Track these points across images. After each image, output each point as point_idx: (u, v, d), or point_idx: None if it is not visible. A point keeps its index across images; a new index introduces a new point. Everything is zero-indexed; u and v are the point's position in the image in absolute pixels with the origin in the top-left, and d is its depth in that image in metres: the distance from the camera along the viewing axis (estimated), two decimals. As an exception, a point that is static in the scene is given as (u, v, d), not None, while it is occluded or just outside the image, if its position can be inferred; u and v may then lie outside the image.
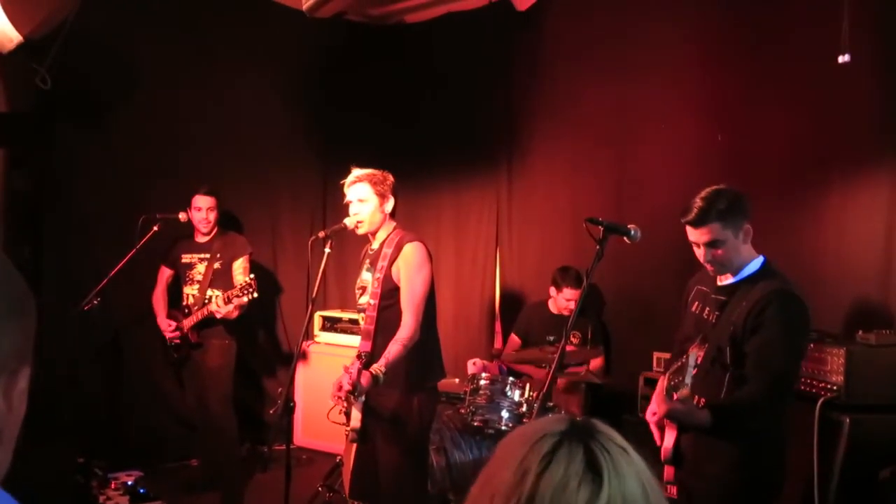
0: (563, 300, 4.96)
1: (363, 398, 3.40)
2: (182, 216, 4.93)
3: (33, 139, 4.97)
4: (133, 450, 5.18)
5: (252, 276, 4.65)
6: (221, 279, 4.87)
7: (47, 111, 4.89)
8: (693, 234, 2.79)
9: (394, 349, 3.36)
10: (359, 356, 3.38)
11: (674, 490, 2.83)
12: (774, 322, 2.63)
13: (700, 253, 2.81)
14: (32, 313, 1.02)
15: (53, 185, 5.09)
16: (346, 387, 3.30)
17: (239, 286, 4.56)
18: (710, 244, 2.74)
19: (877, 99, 3.96)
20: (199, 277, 4.92)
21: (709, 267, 2.83)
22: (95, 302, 4.54)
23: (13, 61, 4.13)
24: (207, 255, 4.95)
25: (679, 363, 2.76)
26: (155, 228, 4.79)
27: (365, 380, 3.26)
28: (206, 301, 4.77)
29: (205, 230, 4.98)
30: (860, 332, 3.62)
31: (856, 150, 4.08)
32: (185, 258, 5.00)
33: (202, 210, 4.93)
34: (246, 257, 5.02)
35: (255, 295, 4.57)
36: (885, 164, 3.92)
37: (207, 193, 4.95)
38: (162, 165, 5.40)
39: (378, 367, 3.31)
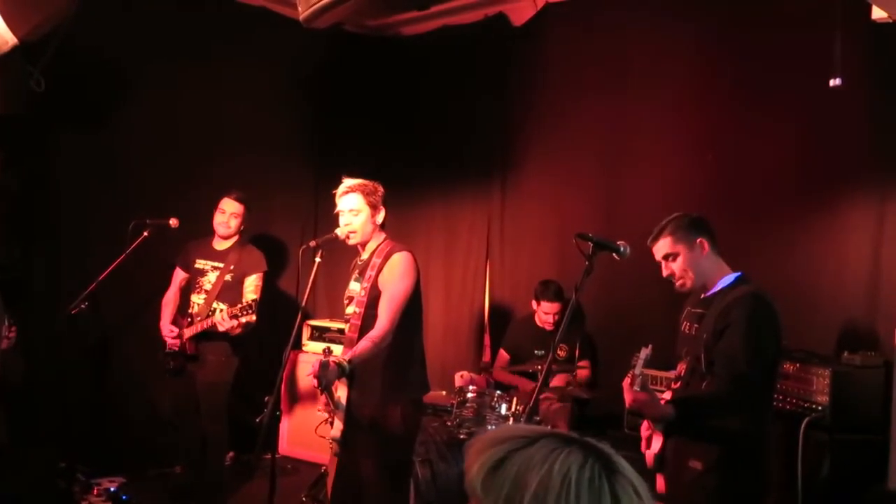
0: (542, 313, 4.98)
1: (344, 407, 3.39)
2: (173, 221, 4.85)
3: (26, 141, 4.96)
4: (116, 455, 5.13)
5: (254, 297, 4.51)
6: (230, 292, 4.67)
7: (41, 114, 4.88)
8: (654, 253, 3.00)
9: (363, 345, 3.33)
10: (324, 351, 3.36)
11: None
12: (738, 323, 2.73)
13: (662, 271, 2.99)
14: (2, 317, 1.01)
15: (45, 187, 5.08)
16: (313, 381, 3.25)
17: (241, 305, 4.38)
18: (666, 257, 2.96)
19: (866, 122, 4.00)
20: (209, 287, 4.75)
21: (676, 284, 2.98)
22: (83, 306, 4.52)
23: (8, 63, 4.12)
24: (221, 265, 4.78)
25: (636, 359, 2.84)
26: (145, 234, 4.75)
27: (331, 365, 3.20)
28: (210, 313, 4.61)
29: (223, 234, 4.83)
30: (846, 354, 3.66)
31: (844, 172, 4.13)
32: (199, 263, 4.84)
33: (225, 213, 4.79)
34: (260, 275, 4.83)
35: (254, 318, 4.40)
36: (873, 187, 3.96)
37: (238, 200, 4.82)
38: (154, 170, 5.38)
39: (343, 357, 3.28)
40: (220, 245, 4.88)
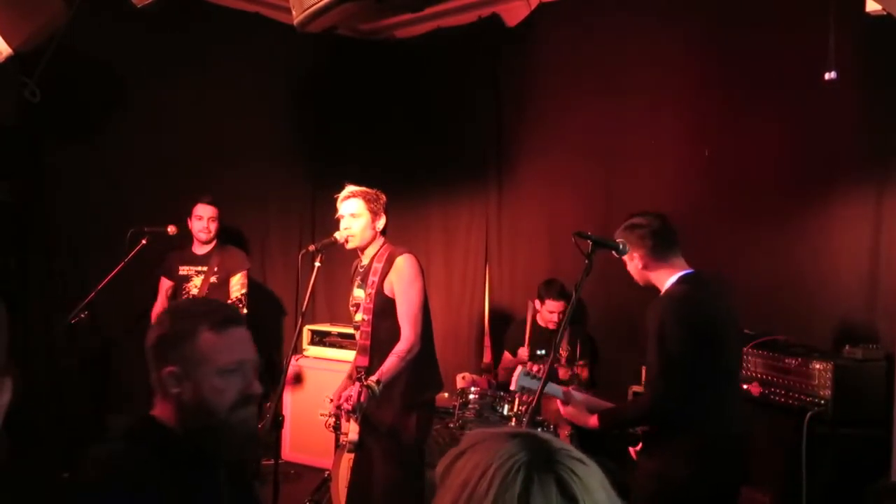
0: (546, 312, 4.97)
1: (361, 413, 3.42)
2: (171, 229, 4.87)
3: (21, 151, 4.95)
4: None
5: (243, 292, 4.59)
6: (217, 294, 4.75)
7: (36, 124, 4.87)
8: None
9: (391, 361, 3.38)
10: (359, 378, 3.40)
11: None
12: (649, 335, 2.87)
13: None
14: (5, 326, 1.00)
15: (41, 197, 5.07)
16: (347, 406, 3.32)
17: (228, 302, 4.49)
18: None
19: (862, 115, 4.01)
20: (195, 291, 4.84)
21: None
22: (83, 315, 4.51)
23: (2, 74, 4.12)
24: (205, 269, 4.87)
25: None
26: (143, 242, 4.75)
27: (363, 397, 3.30)
28: None
29: (204, 239, 4.90)
30: (847, 347, 3.66)
31: (841, 166, 4.13)
32: (183, 270, 4.92)
33: (203, 219, 4.87)
34: (244, 273, 4.96)
35: (245, 311, 4.51)
36: (869, 181, 3.96)
37: (210, 203, 4.89)
38: (150, 178, 5.38)
39: (372, 378, 3.32)
40: (200, 250, 4.95)
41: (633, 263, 3.05)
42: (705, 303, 2.91)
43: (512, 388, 2.99)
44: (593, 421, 2.97)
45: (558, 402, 3.05)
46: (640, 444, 3.01)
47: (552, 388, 2.99)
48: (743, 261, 4.48)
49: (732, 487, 2.95)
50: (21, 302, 4.87)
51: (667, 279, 2.98)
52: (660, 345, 2.79)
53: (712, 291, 2.97)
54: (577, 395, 3.05)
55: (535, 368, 3.05)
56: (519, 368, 2.99)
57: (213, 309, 1.72)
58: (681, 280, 2.94)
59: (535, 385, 2.88)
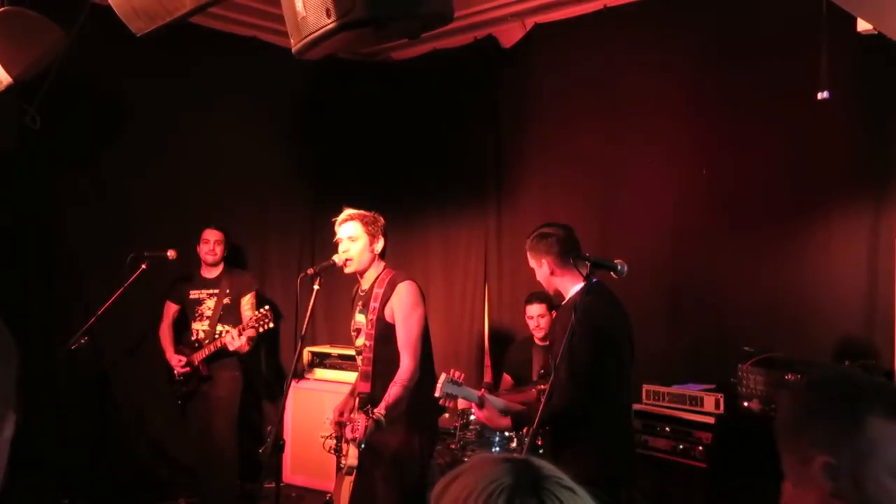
0: (528, 319, 4.90)
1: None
2: (170, 253, 4.91)
3: (22, 177, 4.97)
4: (119, 489, 5.10)
5: (267, 307, 4.74)
6: (230, 315, 5.00)
7: (37, 150, 4.90)
8: None
9: (394, 391, 3.38)
10: (365, 410, 3.39)
11: None
12: (556, 336, 3.10)
13: None
14: (14, 360, 1.02)
15: (41, 223, 5.09)
16: (351, 436, 3.31)
17: (255, 317, 4.67)
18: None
19: (856, 134, 4.04)
20: (209, 313, 5.01)
21: None
22: (83, 341, 4.53)
23: (2, 102, 4.15)
24: (216, 291, 5.06)
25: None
26: (143, 266, 4.78)
27: (370, 430, 3.29)
28: (218, 335, 4.87)
29: (210, 261, 5.07)
30: (847, 363, 3.66)
31: (838, 184, 4.16)
32: (194, 294, 5.07)
33: (210, 242, 5.06)
34: (253, 293, 5.16)
35: (272, 325, 4.70)
36: (866, 199, 3.99)
37: (218, 228, 5.12)
38: (150, 203, 5.40)
39: (378, 410, 3.32)
40: (209, 274, 5.13)
41: (542, 270, 3.24)
42: (612, 315, 3.14)
43: (436, 394, 3.12)
44: (506, 423, 3.16)
45: (473, 405, 3.22)
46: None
47: (468, 392, 3.16)
48: (741, 278, 4.49)
49: (624, 483, 3.18)
50: (22, 327, 4.87)
51: (571, 286, 3.16)
52: (569, 351, 2.91)
53: (614, 302, 3.20)
54: (494, 400, 3.22)
55: (457, 375, 3.18)
56: (443, 376, 3.12)
57: (882, 386, 1.36)
58: (587, 290, 3.07)
59: (458, 391, 3.09)
